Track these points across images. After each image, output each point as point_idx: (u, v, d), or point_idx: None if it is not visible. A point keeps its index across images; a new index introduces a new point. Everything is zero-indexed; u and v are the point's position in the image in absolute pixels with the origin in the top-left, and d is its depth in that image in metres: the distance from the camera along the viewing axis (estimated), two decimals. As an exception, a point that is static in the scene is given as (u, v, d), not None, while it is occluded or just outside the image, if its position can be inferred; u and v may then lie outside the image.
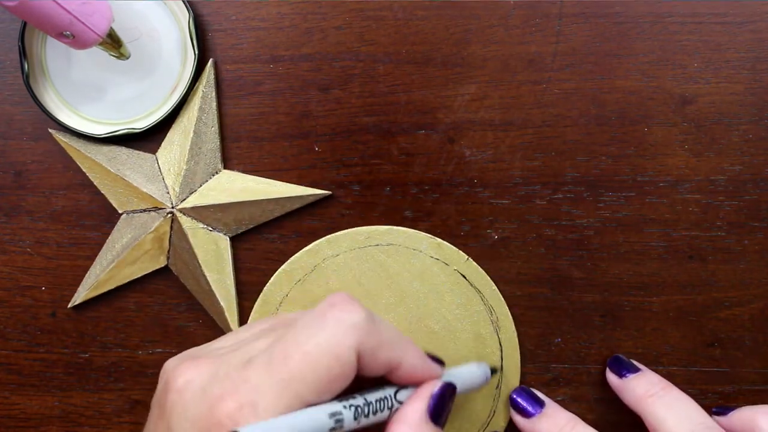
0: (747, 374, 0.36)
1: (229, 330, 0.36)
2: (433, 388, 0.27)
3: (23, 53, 0.35)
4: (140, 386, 0.37)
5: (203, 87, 0.35)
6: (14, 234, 0.37)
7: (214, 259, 0.35)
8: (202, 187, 0.36)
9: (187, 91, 0.35)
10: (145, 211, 0.36)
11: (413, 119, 0.36)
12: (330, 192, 0.36)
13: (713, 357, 0.36)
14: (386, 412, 0.26)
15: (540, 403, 0.34)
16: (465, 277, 0.35)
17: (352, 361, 0.25)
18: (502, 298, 0.36)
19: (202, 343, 0.37)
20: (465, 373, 0.30)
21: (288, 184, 0.36)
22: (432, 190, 0.36)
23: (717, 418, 0.34)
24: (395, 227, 0.36)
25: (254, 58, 0.36)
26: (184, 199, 0.35)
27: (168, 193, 0.35)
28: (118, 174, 0.35)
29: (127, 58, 0.36)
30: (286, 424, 0.22)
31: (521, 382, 0.36)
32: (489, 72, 0.36)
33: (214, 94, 0.36)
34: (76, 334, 0.37)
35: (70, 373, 0.37)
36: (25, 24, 0.35)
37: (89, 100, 0.36)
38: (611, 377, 0.35)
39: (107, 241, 0.36)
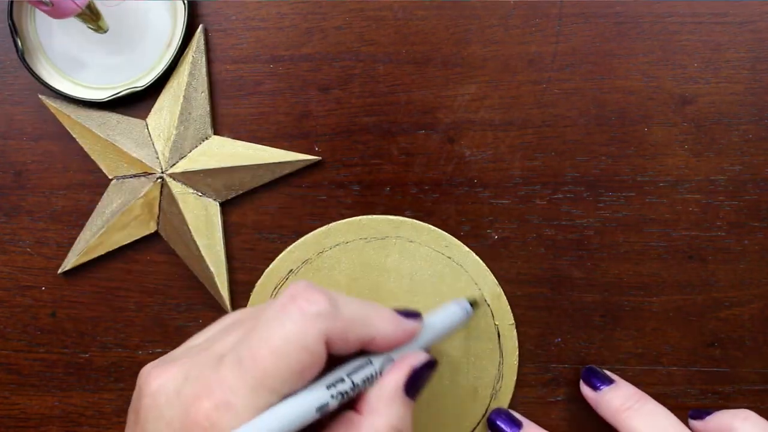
0: (747, 374, 0.36)
1: (220, 297, 0.36)
2: (412, 362, 0.27)
3: (14, 31, 0.35)
4: (140, 386, 0.37)
5: (193, 53, 0.36)
6: (14, 234, 0.37)
7: (204, 224, 0.35)
8: (191, 153, 0.36)
9: (178, 52, 0.36)
10: (134, 176, 0.36)
11: (413, 119, 0.36)
12: (320, 158, 0.36)
13: (713, 357, 0.36)
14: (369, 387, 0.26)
15: (517, 424, 0.35)
16: (467, 272, 0.36)
17: (321, 350, 0.25)
18: (508, 306, 0.36)
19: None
20: (445, 316, 0.30)
21: (277, 149, 0.36)
22: (432, 190, 0.36)
23: (693, 423, 0.34)
24: (409, 220, 0.36)
25: (254, 58, 0.37)
26: (174, 164, 0.35)
27: (158, 158, 0.35)
28: (108, 139, 0.35)
29: (105, 32, 0.36)
30: (274, 422, 0.23)
31: (521, 382, 0.36)
32: (489, 72, 0.36)
33: (203, 59, 0.36)
34: (76, 334, 0.37)
35: (70, 373, 0.37)
36: (11, 3, 0.35)
37: (85, 67, 0.37)
38: (586, 390, 0.35)
39: (97, 207, 0.36)
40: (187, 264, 0.36)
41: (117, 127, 0.36)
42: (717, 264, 0.36)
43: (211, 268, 0.35)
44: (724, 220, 0.36)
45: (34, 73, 0.36)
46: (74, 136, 0.36)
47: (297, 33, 0.36)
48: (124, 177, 0.36)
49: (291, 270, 0.36)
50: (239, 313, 0.29)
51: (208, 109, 0.36)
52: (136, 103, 0.37)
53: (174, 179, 0.35)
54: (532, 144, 0.36)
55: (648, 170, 0.36)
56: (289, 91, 0.37)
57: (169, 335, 0.37)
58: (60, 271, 0.37)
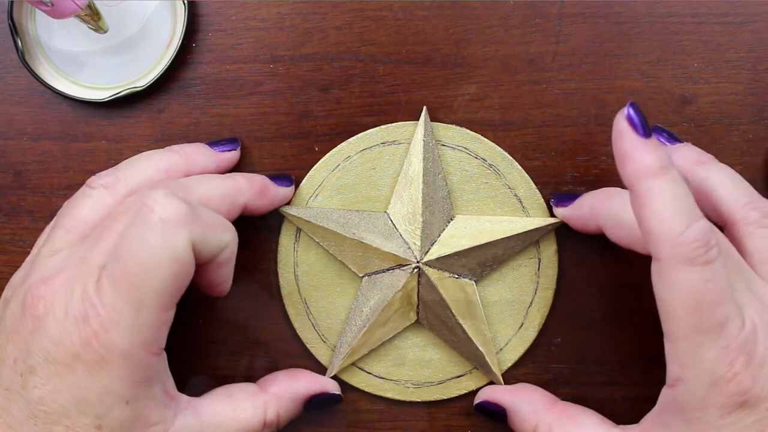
0: (747, 374, 0.36)
1: (493, 375, 0.35)
2: (316, 388, 0.34)
3: (14, 31, 0.35)
4: (140, 386, 0.37)
5: (423, 137, 0.35)
6: (14, 234, 0.37)
7: (465, 305, 0.35)
8: (441, 237, 0.35)
9: (179, 52, 0.36)
10: (388, 270, 0.35)
11: (413, 119, 0.36)
12: (558, 220, 0.35)
13: (713, 357, 0.36)
14: None
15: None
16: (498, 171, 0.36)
17: (191, 256, 0.26)
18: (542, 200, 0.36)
19: (206, 345, 0.37)
20: None
21: (524, 218, 0.35)
22: (432, 190, 0.36)
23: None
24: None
25: (254, 58, 0.37)
26: (427, 251, 0.34)
27: (409, 248, 0.34)
28: (354, 238, 0.34)
29: (105, 32, 0.36)
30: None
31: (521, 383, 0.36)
32: (489, 72, 0.36)
33: (434, 141, 0.35)
34: (76, 334, 0.37)
35: (70, 373, 0.37)
36: (11, 3, 0.35)
37: (85, 67, 0.37)
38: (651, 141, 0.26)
39: (353, 307, 0.35)
40: (453, 348, 0.35)
41: (360, 224, 0.35)
42: (717, 264, 0.36)
43: (480, 348, 0.34)
44: (724, 220, 0.36)
45: (34, 73, 0.36)
46: (317, 240, 0.35)
47: (297, 33, 0.36)
48: (376, 273, 0.35)
49: (337, 165, 0.36)
50: (90, 215, 0.30)
51: (447, 190, 0.35)
52: (136, 103, 0.37)
53: (430, 266, 0.34)
54: (532, 144, 0.36)
55: (648, 170, 0.36)
56: (289, 91, 0.37)
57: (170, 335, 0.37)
58: (327, 376, 0.35)
